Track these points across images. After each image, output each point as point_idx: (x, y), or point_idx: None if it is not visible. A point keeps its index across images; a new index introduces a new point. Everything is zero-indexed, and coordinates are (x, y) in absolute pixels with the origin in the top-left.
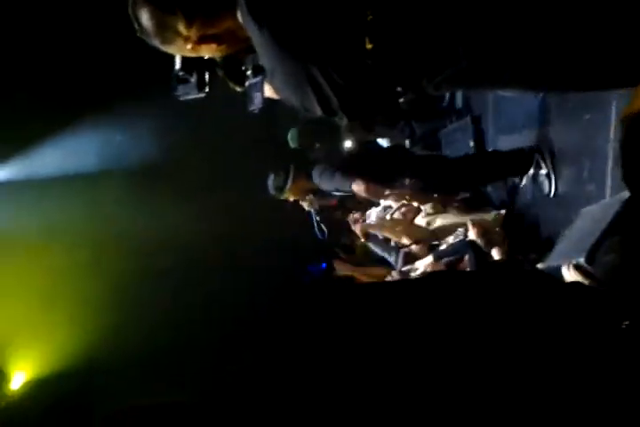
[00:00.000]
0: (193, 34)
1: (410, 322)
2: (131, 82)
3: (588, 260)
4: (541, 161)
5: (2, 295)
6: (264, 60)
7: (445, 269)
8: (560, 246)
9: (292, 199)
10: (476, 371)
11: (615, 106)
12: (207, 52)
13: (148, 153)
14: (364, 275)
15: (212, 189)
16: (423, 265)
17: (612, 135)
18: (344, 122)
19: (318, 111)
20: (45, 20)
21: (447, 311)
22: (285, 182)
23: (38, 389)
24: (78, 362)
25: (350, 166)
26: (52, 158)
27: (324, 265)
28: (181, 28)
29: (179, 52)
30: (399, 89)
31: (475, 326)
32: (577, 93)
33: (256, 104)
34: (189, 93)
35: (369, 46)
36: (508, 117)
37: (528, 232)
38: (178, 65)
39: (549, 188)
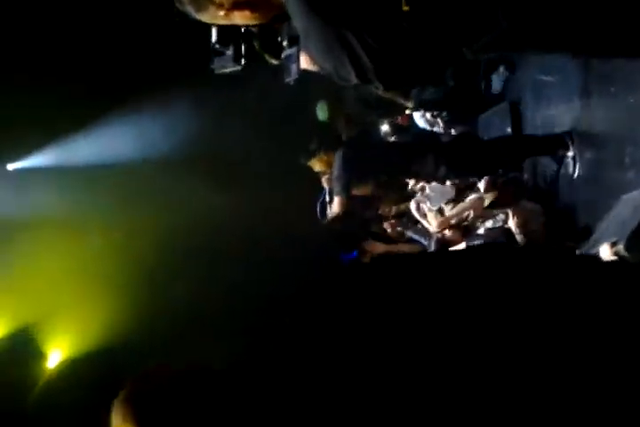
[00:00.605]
0: (226, 0)
1: (450, 296)
2: (166, 69)
3: (627, 247)
4: (569, 143)
5: (40, 277)
6: (298, 25)
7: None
8: (598, 233)
9: (316, 169)
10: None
11: None
12: (240, 19)
13: (182, 140)
14: (398, 252)
15: (245, 177)
16: None
17: None
18: (380, 91)
19: (353, 78)
20: (80, 8)
21: (486, 286)
22: (318, 149)
23: (74, 367)
24: (112, 341)
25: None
26: (90, 145)
27: (354, 253)
28: None
29: (212, 20)
30: (436, 55)
31: (517, 303)
32: (620, 59)
33: (292, 75)
34: (226, 66)
35: (405, 8)
36: (548, 102)
37: (565, 218)
38: (214, 37)
39: (573, 170)
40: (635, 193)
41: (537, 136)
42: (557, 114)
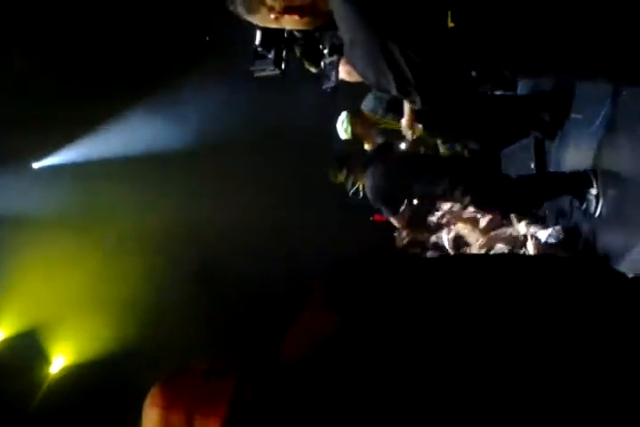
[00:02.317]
0: (277, 4)
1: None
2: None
3: None
4: (594, 180)
5: (47, 282)
6: (344, 33)
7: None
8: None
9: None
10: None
11: None
12: (289, 23)
13: (202, 138)
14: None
15: (265, 180)
16: None
17: None
18: (418, 105)
19: (393, 89)
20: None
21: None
22: (341, 169)
23: (76, 373)
24: (115, 348)
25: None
26: (102, 144)
27: None
28: None
29: (262, 22)
30: (476, 74)
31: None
32: None
33: (330, 83)
34: (265, 70)
35: (451, 25)
36: (573, 139)
37: (584, 255)
38: (258, 40)
39: (595, 209)
40: None
41: (561, 174)
42: (582, 151)
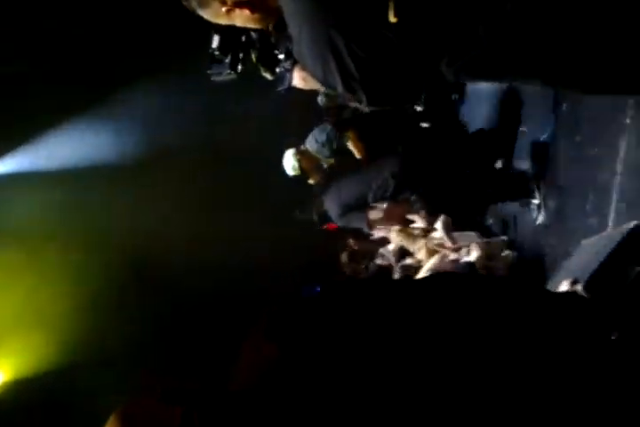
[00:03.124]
0: None
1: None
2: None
3: (585, 287)
4: (536, 191)
5: None
6: (291, 26)
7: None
8: (558, 277)
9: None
10: (471, 373)
11: (625, 141)
12: (240, 19)
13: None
14: None
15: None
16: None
17: (618, 169)
18: (364, 106)
19: (339, 85)
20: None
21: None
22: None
23: (17, 389)
24: (58, 363)
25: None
26: (44, 154)
27: (317, 289)
28: None
29: (214, 17)
30: (418, 71)
31: (471, 329)
32: (594, 96)
33: (285, 85)
34: (222, 73)
35: (393, 20)
36: (517, 149)
37: (528, 263)
38: (215, 44)
39: (537, 217)
40: (594, 238)
41: (506, 184)
42: (524, 159)
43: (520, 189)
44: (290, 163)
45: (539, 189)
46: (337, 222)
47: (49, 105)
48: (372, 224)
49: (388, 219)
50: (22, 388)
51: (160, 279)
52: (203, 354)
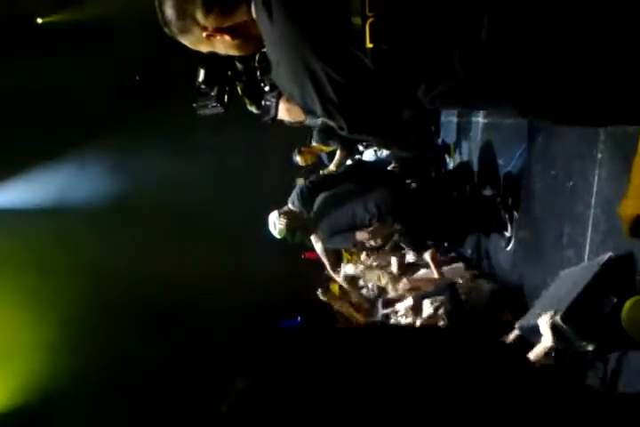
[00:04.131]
0: (209, 24)
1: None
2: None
3: (564, 319)
4: (508, 222)
5: None
6: (271, 52)
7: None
8: (537, 307)
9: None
10: None
11: (597, 174)
12: (222, 45)
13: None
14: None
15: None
16: (404, 307)
17: (593, 202)
18: (345, 133)
19: (319, 110)
20: None
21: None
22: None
23: None
24: (33, 396)
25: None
26: (30, 188)
27: (298, 320)
28: (199, 16)
29: (195, 44)
30: (396, 98)
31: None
32: (568, 126)
33: (270, 114)
34: (208, 106)
35: (370, 45)
36: (492, 182)
37: (507, 293)
38: (201, 77)
39: (506, 246)
40: (573, 269)
41: (477, 213)
42: (500, 191)
43: (492, 217)
44: (276, 227)
45: (511, 221)
46: (326, 243)
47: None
48: (357, 243)
49: (373, 237)
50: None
51: (133, 312)
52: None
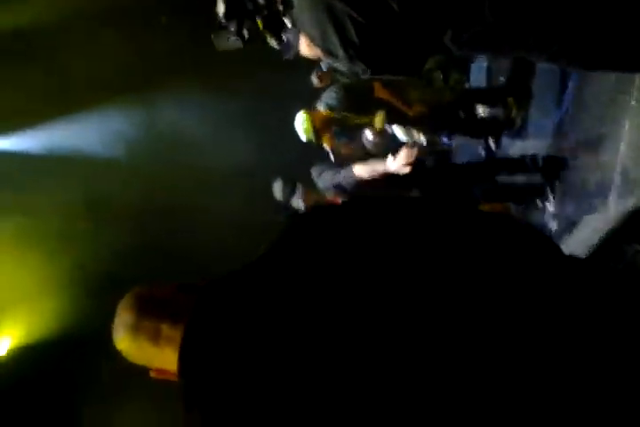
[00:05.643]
0: None
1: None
2: None
3: None
4: (550, 195)
5: None
6: None
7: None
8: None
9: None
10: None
11: (628, 122)
12: None
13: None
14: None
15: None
16: None
17: (622, 149)
18: (365, 75)
19: (340, 53)
20: None
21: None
22: (291, 195)
23: (24, 355)
24: (62, 330)
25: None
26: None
27: None
28: None
29: None
30: (420, 42)
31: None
32: (601, 72)
33: (292, 50)
34: (228, 39)
35: None
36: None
37: None
38: (221, 12)
39: (551, 226)
40: (597, 215)
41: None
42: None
43: (532, 190)
44: (303, 126)
45: (553, 192)
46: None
47: None
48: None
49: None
50: (30, 353)
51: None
52: None
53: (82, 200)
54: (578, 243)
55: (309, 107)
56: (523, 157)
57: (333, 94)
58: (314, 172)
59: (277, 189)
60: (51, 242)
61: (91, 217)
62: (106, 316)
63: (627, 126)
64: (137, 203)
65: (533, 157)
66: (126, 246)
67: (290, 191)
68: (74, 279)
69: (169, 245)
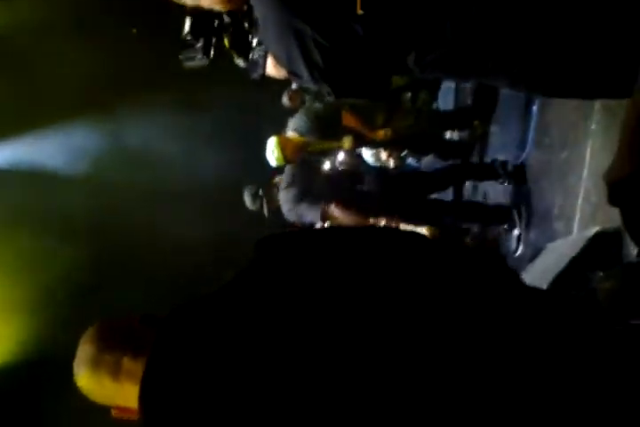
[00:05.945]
0: None
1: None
2: None
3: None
4: (517, 220)
5: None
6: (258, 11)
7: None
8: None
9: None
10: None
11: (590, 145)
12: (206, 0)
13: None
14: None
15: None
16: None
17: (585, 173)
18: (330, 95)
19: (305, 74)
20: None
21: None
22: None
23: None
24: (27, 353)
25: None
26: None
27: None
28: None
29: None
30: (384, 64)
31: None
32: (558, 98)
33: (259, 71)
34: (194, 58)
35: (360, 12)
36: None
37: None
38: (187, 28)
39: (516, 249)
40: (560, 242)
41: (483, 207)
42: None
43: (500, 214)
44: (274, 153)
45: (520, 217)
46: (287, 214)
47: None
48: (327, 218)
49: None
50: None
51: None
52: None
53: (44, 217)
54: (542, 268)
55: (279, 125)
56: (493, 162)
57: (302, 123)
58: (283, 193)
59: (247, 199)
60: (10, 260)
61: (54, 234)
62: (69, 343)
63: (588, 150)
64: (100, 220)
65: (503, 163)
66: (91, 263)
67: (257, 199)
68: (37, 299)
69: (131, 261)
